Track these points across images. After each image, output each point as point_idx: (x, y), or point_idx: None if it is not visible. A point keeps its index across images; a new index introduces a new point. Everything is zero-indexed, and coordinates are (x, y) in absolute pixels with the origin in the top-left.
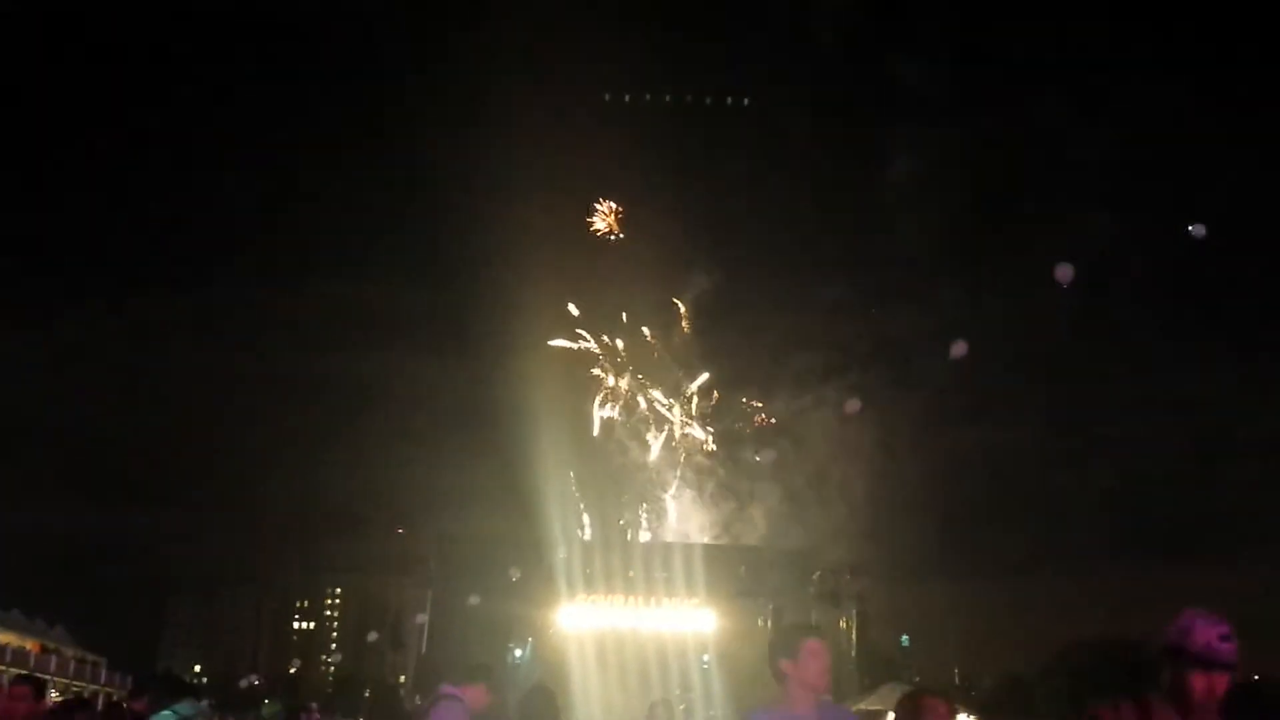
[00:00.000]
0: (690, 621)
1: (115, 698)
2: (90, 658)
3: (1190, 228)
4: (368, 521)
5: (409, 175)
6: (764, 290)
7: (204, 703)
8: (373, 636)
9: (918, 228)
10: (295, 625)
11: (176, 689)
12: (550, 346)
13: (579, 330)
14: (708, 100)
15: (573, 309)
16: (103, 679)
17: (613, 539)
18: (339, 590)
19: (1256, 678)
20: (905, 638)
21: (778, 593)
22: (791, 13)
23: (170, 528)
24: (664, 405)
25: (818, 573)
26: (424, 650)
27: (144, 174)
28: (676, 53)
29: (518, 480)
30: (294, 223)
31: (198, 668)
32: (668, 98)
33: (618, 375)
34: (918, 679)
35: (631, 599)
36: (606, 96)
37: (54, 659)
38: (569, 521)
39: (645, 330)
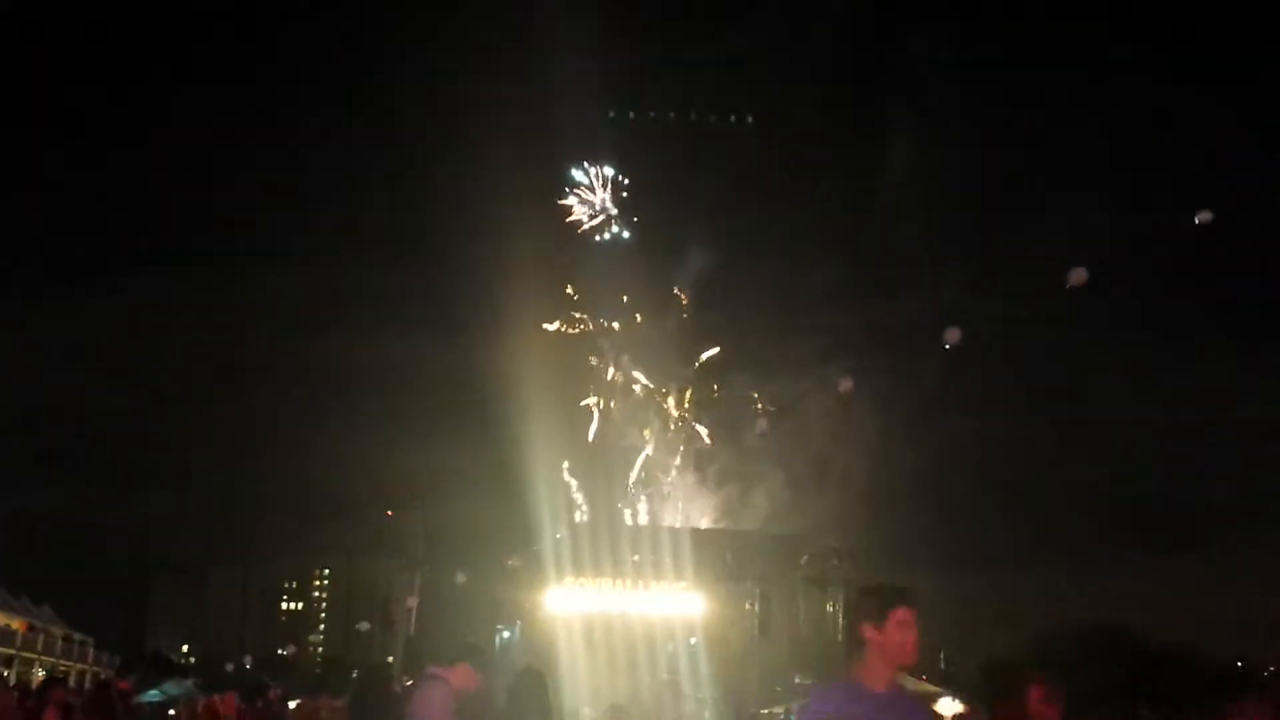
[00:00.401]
0: (678, 605)
1: (103, 677)
2: (78, 637)
3: (1197, 216)
4: (357, 503)
5: (400, 155)
6: (760, 275)
7: (190, 682)
8: (364, 626)
9: (916, 215)
10: (283, 606)
11: (164, 669)
12: (543, 328)
13: (575, 314)
14: (705, 86)
15: (570, 291)
16: (90, 658)
17: (601, 523)
18: (327, 571)
19: (1240, 663)
20: None
21: (765, 577)
22: None
23: (158, 508)
24: (660, 394)
25: (805, 557)
26: (412, 632)
27: (132, 156)
28: (674, 33)
29: (508, 464)
30: (283, 204)
31: (185, 648)
32: (666, 79)
33: (614, 359)
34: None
35: (620, 582)
36: (602, 76)
37: (41, 638)
38: (558, 505)
39: (638, 317)
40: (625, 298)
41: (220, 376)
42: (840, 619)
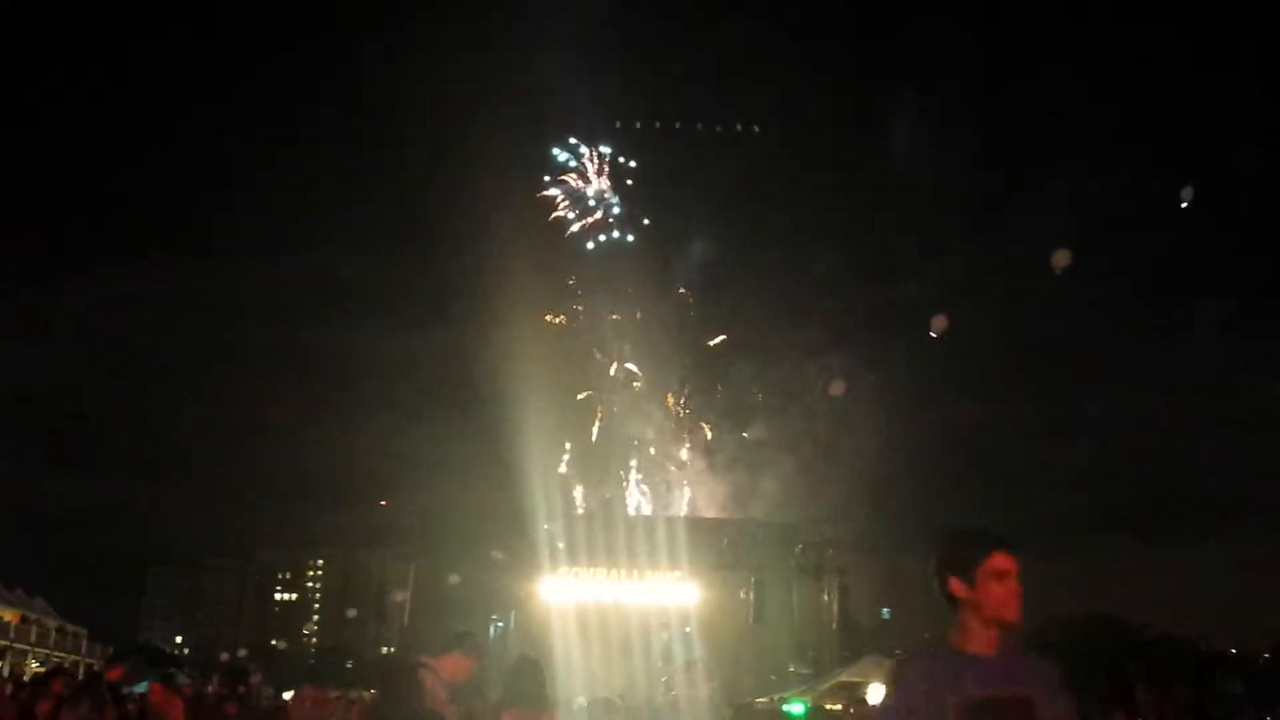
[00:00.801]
0: (673, 594)
1: (95, 668)
2: (71, 629)
3: (1183, 196)
4: (351, 494)
5: (394, 146)
6: (762, 263)
7: (184, 674)
8: (352, 613)
9: (916, 199)
10: (277, 597)
11: (156, 660)
12: (541, 319)
13: (575, 306)
14: (704, 77)
15: (571, 283)
16: (83, 650)
17: (596, 512)
18: (321, 562)
19: (1233, 650)
20: (886, 610)
21: (760, 566)
22: None
23: (153, 500)
24: (660, 389)
25: (800, 546)
26: (406, 623)
27: (126, 146)
28: (672, 22)
29: (504, 454)
30: (277, 194)
31: (179, 639)
32: (665, 69)
33: (614, 350)
34: (898, 651)
35: (614, 572)
36: (601, 63)
37: (34, 629)
38: (554, 495)
39: (638, 314)
40: (629, 289)
41: (215, 368)
42: (834, 608)
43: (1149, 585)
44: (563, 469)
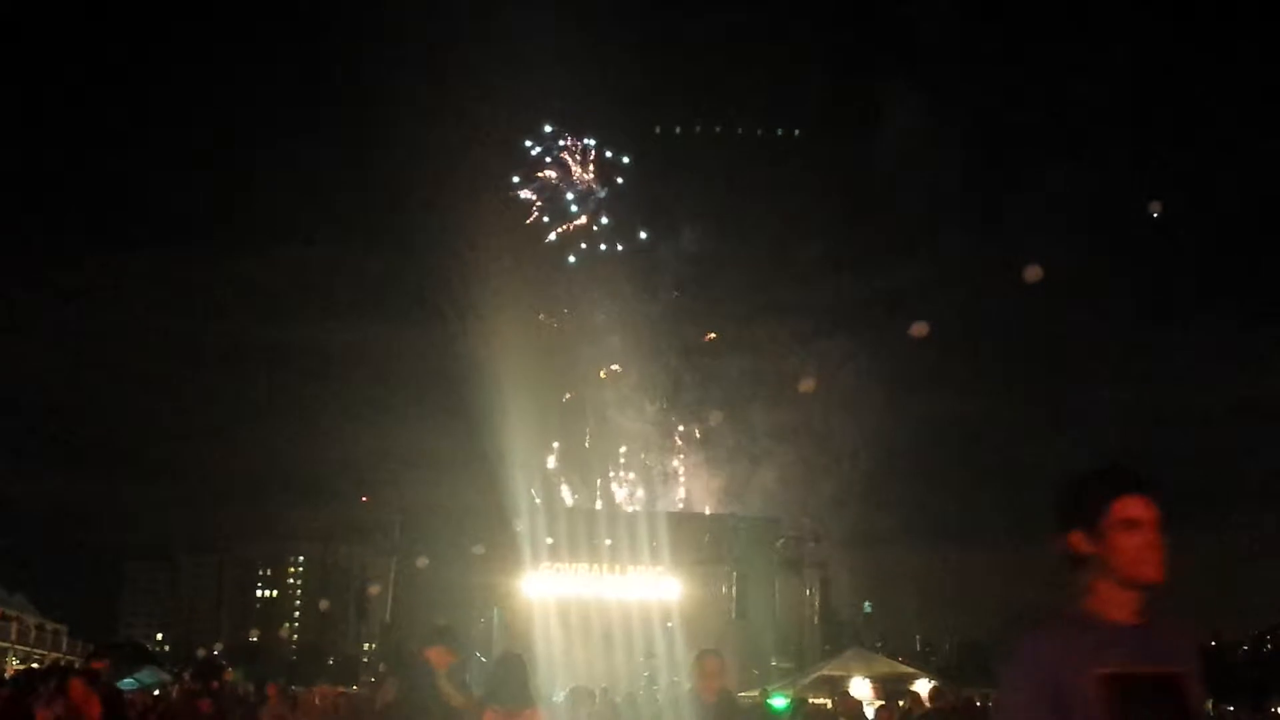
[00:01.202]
0: (654, 589)
1: (76, 665)
2: (51, 625)
3: (1151, 207)
4: (331, 490)
5: (377, 137)
6: (742, 258)
7: (164, 670)
8: (324, 605)
9: (894, 193)
10: (258, 593)
11: (136, 657)
12: (524, 314)
13: (564, 309)
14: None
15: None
16: (64, 647)
17: (579, 508)
18: (302, 558)
19: (1214, 642)
20: (868, 604)
21: (742, 560)
22: None
23: (130, 495)
24: (646, 388)
25: (781, 540)
26: (387, 618)
27: (101, 141)
28: (655, 10)
29: (486, 449)
30: (253, 189)
31: (160, 635)
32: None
33: (603, 345)
34: (879, 644)
35: (596, 567)
36: (588, 53)
37: (14, 626)
38: (537, 490)
39: (625, 311)
40: (616, 288)
41: (192, 363)
42: (816, 602)
43: None
44: (551, 464)
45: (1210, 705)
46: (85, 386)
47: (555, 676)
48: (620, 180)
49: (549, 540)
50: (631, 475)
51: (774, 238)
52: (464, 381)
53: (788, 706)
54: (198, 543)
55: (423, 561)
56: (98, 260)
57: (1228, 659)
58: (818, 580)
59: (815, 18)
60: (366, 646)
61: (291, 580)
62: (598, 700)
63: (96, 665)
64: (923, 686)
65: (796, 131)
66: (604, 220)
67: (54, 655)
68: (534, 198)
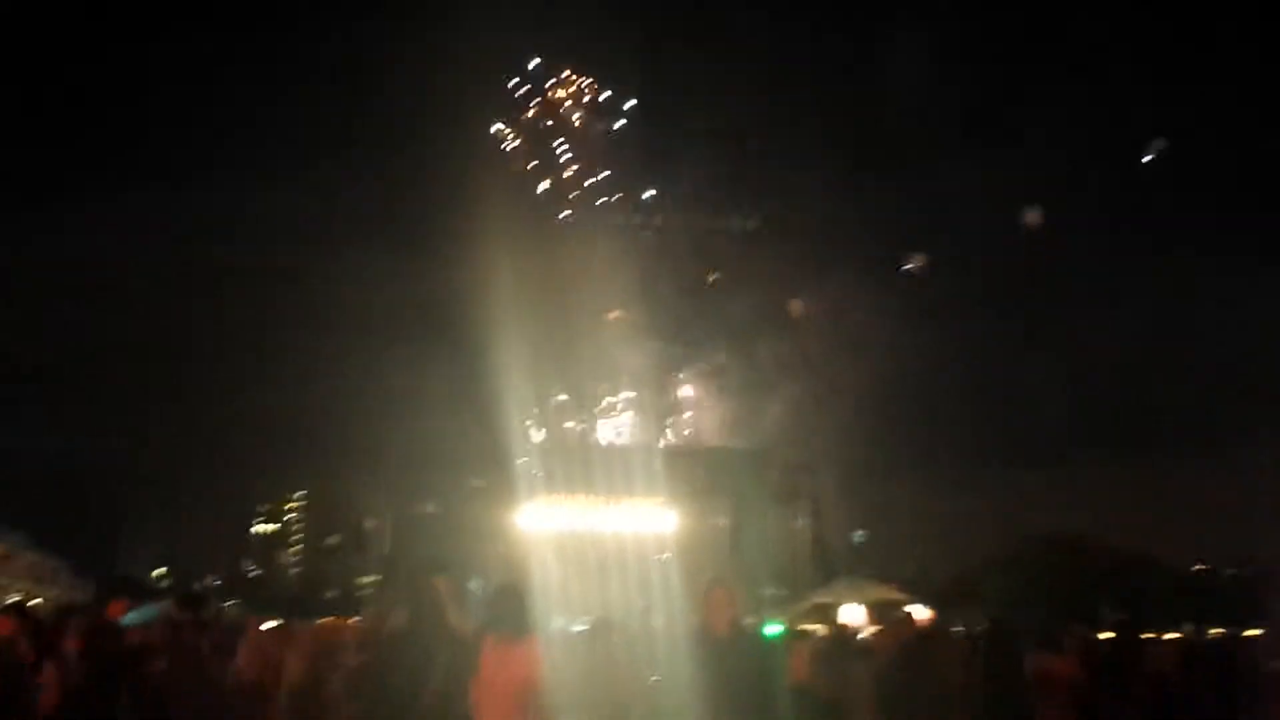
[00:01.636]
0: (650, 522)
1: (79, 602)
2: (50, 562)
3: (1154, 145)
4: (329, 424)
5: (372, 64)
6: (739, 175)
7: (165, 605)
8: (333, 539)
9: (903, 112)
10: (256, 529)
11: (137, 593)
12: (525, 247)
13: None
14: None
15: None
16: (64, 583)
17: (577, 441)
18: (300, 493)
19: (1199, 565)
20: (859, 534)
21: (735, 493)
22: None
23: (128, 434)
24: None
25: (775, 471)
26: (386, 551)
27: (95, 80)
28: None
29: (485, 383)
30: (233, 121)
31: (161, 570)
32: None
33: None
34: (871, 573)
35: (592, 499)
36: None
37: (15, 563)
38: (534, 424)
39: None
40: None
41: (183, 296)
42: (809, 533)
43: (1119, 502)
44: (550, 401)
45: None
46: (78, 323)
47: (551, 608)
48: (618, 124)
49: (546, 474)
50: (630, 412)
51: (775, 171)
52: (462, 317)
53: (781, 634)
54: (197, 478)
55: (431, 507)
56: (81, 199)
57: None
58: (811, 511)
59: None
60: (365, 580)
61: (290, 515)
62: (620, 631)
63: (113, 612)
64: (919, 613)
65: (806, 55)
66: (600, 173)
67: (54, 592)
68: (524, 142)
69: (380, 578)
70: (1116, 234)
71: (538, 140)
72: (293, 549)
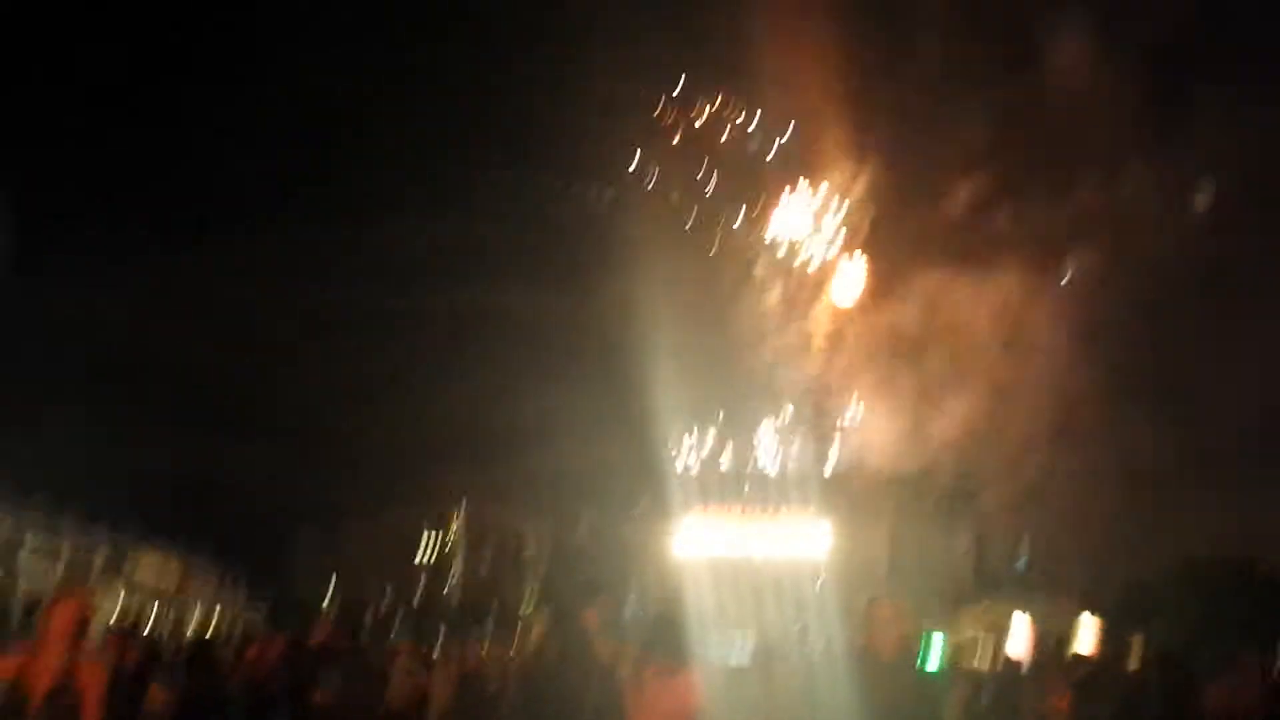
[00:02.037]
0: (807, 544)
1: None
2: (230, 582)
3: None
4: (486, 451)
5: (522, 101)
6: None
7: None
8: (484, 569)
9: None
10: (418, 557)
11: (309, 617)
12: (680, 276)
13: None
14: None
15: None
16: (242, 603)
17: (732, 463)
18: (459, 519)
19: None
20: (1023, 559)
21: (895, 514)
22: None
23: (291, 461)
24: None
25: (936, 497)
26: (543, 577)
27: (221, 112)
28: None
29: (641, 406)
30: (377, 156)
31: (329, 595)
32: None
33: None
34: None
35: (747, 524)
36: None
37: (199, 583)
38: (691, 448)
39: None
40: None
41: (336, 333)
42: (970, 559)
43: None
44: (709, 424)
45: None
46: (238, 358)
47: (708, 634)
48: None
49: (698, 497)
50: (793, 429)
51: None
52: (620, 343)
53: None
54: (359, 507)
55: (587, 531)
56: (237, 235)
57: None
58: (975, 535)
59: None
60: (522, 607)
61: (450, 541)
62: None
63: (321, 636)
64: (1087, 621)
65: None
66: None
67: (234, 611)
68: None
69: (533, 609)
70: None
71: (686, 163)
72: (451, 576)
